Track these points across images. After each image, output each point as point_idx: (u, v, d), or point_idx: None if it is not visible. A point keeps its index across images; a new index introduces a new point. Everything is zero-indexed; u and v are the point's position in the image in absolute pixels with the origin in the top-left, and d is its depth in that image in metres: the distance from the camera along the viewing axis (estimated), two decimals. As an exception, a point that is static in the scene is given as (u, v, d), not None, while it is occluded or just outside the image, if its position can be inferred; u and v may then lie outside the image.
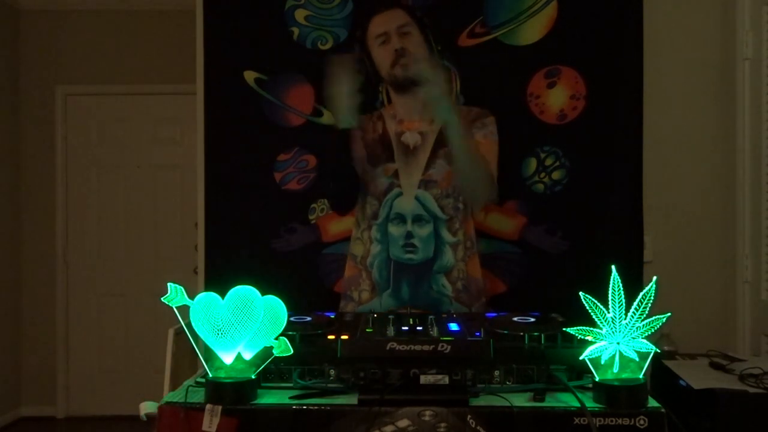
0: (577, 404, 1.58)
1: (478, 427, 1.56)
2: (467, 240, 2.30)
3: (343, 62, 2.26)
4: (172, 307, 1.66)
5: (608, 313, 1.65)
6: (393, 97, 2.33)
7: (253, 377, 1.67)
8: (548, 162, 2.68)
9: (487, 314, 2.11)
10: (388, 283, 2.31)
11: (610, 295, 1.64)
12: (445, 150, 2.25)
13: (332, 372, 1.73)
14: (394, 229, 2.26)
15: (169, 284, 1.65)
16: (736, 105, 2.80)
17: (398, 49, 2.21)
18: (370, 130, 2.32)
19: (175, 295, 1.64)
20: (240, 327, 1.62)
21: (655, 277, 1.66)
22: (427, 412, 1.58)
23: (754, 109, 2.73)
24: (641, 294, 1.65)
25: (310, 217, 2.73)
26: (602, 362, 1.63)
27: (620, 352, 1.63)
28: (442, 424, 1.56)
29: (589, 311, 1.66)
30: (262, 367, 1.68)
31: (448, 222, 2.24)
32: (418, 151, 2.26)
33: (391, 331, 1.78)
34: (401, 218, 2.26)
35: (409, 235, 2.25)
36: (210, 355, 1.69)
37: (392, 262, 2.28)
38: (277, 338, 1.66)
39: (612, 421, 1.56)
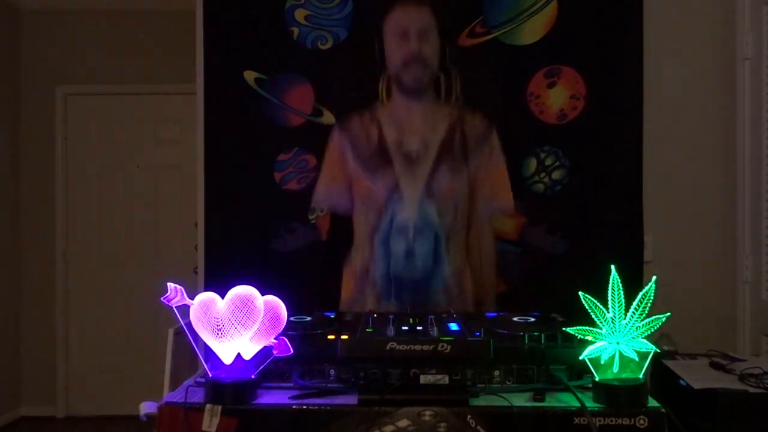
0: (577, 404, 1.59)
1: (478, 427, 1.56)
2: (461, 254, 2.23)
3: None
4: (172, 307, 1.66)
5: (608, 312, 1.65)
6: (396, 96, 2.23)
7: (253, 377, 1.67)
8: (548, 162, 2.68)
9: (487, 314, 2.11)
10: (389, 296, 2.27)
11: (609, 295, 1.65)
12: (449, 160, 2.15)
13: (332, 372, 1.73)
14: (395, 244, 2.18)
15: (169, 284, 1.65)
16: (736, 105, 2.80)
17: (416, 54, 2.09)
18: (363, 136, 2.19)
19: (175, 295, 1.64)
20: (240, 327, 1.63)
21: (654, 277, 1.66)
22: (427, 412, 1.58)
23: (754, 109, 2.73)
24: (641, 294, 1.65)
25: (310, 217, 2.73)
26: (602, 362, 1.64)
27: (620, 351, 1.63)
28: (442, 424, 1.56)
29: (589, 311, 1.66)
30: (262, 367, 1.68)
31: (447, 234, 2.17)
32: (421, 159, 2.15)
33: (391, 331, 1.78)
34: (403, 230, 2.17)
35: (410, 248, 2.18)
36: (210, 355, 1.69)
37: (393, 275, 2.24)
38: (277, 338, 1.67)
39: (612, 420, 1.56)
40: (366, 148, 2.12)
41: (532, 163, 2.68)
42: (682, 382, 2.06)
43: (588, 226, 2.68)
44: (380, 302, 2.26)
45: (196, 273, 2.85)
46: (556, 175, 2.69)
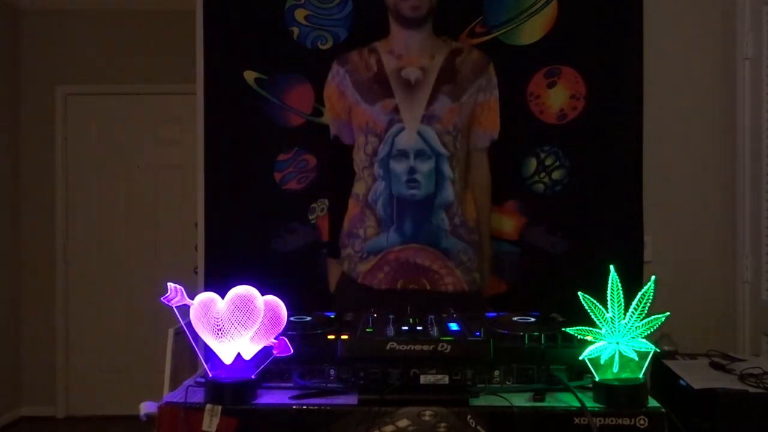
0: (577, 404, 1.59)
1: (478, 427, 1.56)
2: (461, 179, 2.29)
3: None
4: (172, 307, 1.66)
5: (607, 312, 1.65)
6: (394, 29, 2.29)
7: (253, 377, 1.67)
8: (548, 162, 2.68)
9: (487, 314, 2.11)
10: (392, 219, 2.31)
11: (608, 295, 1.65)
12: (449, 86, 2.22)
13: (332, 372, 1.73)
14: (397, 166, 2.26)
15: (169, 284, 1.65)
16: (736, 105, 2.80)
17: None
18: (362, 68, 2.25)
19: (175, 295, 1.64)
20: (240, 327, 1.63)
21: (653, 277, 1.66)
22: (427, 412, 1.58)
23: (754, 109, 2.73)
24: (640, 293, 1.65)
25: (310, 217, 2.73)
26: (602, 362, 1.64)
27: (620, 351, 1.63)
28: (442, 424, 1.56)
29: (588, 311, 1.66)
30: (262, 367, 1.68)
31: (449, 158, 2.23)
32: (420, 86, 2.24)
33: (391, 331, 1.78)
34: (403, 154, 2.25)
35: (412, 171, 2.25)
36: (210, 355, 1.69)
37: (395, 198, 2.28)
38: (277, 338, 1.67)
39: (612, 421, 1.56)
40: (365, 77, 2.23)
41: (532, 163, 2.68)
42: (682, 382, 2.06)
43: (588, 226, 2.68)
44: (381, 228, 2.30)
45: (196, 273, 2.85)
46: (556, 175, 2.69)
